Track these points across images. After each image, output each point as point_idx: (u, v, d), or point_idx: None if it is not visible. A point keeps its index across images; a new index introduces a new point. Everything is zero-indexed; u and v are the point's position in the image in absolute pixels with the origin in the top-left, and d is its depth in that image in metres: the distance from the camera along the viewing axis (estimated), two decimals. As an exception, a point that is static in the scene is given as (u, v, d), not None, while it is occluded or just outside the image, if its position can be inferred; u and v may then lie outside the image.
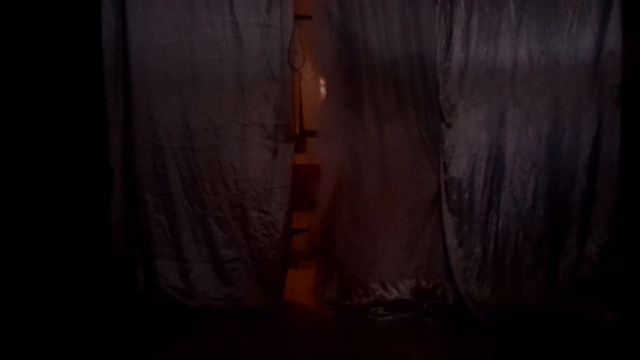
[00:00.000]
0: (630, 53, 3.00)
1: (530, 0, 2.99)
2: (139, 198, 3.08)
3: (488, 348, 2.69)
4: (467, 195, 3.01)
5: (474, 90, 3.02)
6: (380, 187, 3.12)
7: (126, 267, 3.08)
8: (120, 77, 3.05)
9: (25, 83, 2.75)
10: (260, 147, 3.11)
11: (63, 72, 2.91)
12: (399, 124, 3.07)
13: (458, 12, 3.00)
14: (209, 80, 3.07)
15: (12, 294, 2.63)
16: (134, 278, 3.07)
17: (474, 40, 3.01)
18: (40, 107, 2.83)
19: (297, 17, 6.04)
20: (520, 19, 3.00)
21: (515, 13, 3.00)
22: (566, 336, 2.75)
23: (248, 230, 3.14)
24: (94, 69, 2.99)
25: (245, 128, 3.11)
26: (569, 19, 2.99)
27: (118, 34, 3.02)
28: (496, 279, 3.00)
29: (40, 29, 2.80)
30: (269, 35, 3.05)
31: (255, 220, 3.13)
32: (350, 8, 3.02)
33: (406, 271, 3.13)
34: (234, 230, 3.14)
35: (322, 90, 6.55)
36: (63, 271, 2.84)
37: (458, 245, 3.01)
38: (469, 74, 3.02)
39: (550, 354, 2.60)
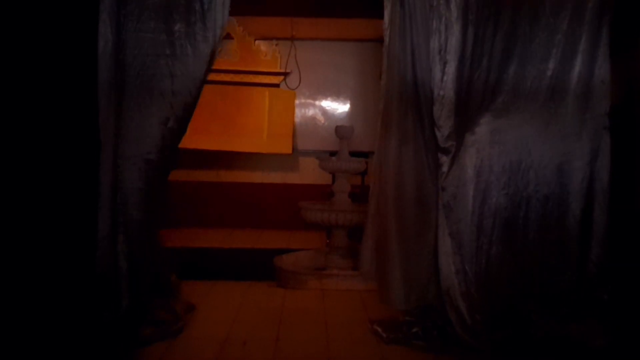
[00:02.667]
0: (617, 79, 3.07)
1: (523, 27, 3.06)
2: (129, 214, 3.04)
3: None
4: (462, 220, 3.02)
5: (466, 117, 3.06)
6: (394, 210, 3.14)
7: (113, 281, 3.02)
8: (113, 90, 3.04)
9: (17, 94, 2.73)
10: None
11: (57, 84, 2.89)
12: (410, 147, 3.11)
13: (452, 42, 3.05)
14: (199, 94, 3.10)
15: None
16: (120, 293, 3.02)
17: (466, 69, 3.04)
18: (30, 119, 2.80)
19: (295, 39, 6.21)
20: (513, 45, 3.06)
21: (509, 40, 3.06)
22: (558, 359, 2.74)
23: None
24: (88, 82, 2.98)
25: None
26: (561, 46, 3.05)
27: (114, 48, 3.03)
28: (488, 303, 2.99)
29: (36, 42, 2.80)
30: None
31: None
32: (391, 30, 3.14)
33: (415, 295, 3.13)
34: None
35: (316, 110, 6.66)
36: (46, 284, 2.78)
37: (453, 269, 3.01)
38: (461, 103, 3.06)
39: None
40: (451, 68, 3.03)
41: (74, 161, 2.89)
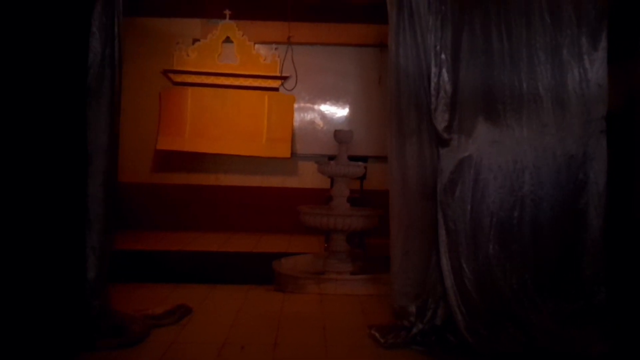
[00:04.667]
0: (617, 85, 3.08)
1: (519, 28, 3.08)
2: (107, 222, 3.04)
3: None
4: (459, 217, 3.02)
5: (462, 113, 3.08)
6: (399, 206, 3.15)
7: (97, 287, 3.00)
8: (104, 102, 3.04)
9: (7, 103, 2.71)
10: None
11: (47, 94, 2.86)
12: (414, 141, 3.13)
13: (448, 38, 3.08)
14: None
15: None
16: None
17: (462, 65, 3.08)
18: (18, 133, 2.77)
19: (293, 43, 6.22)
20: (508, 46, 3.08)
21: (504, 40, 3.08)
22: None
23: None
24: (77, 94, 2.97)
25: None
26: (559, 48, 3.07)
27: (104, 62, 3.04)
28: (487, 304, 2.99)
29: (27, 53, 2.77)
30: None
31: None
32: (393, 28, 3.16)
33: (415, 292, 3.13)
34: None
35: (315, 115, 6.67)
36: (32, 290, 2.74)
37: (451, 268, 3.02)
38: (457, 98, 3.08)
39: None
40: (447, 63, 3.07)
41: (62, 173, 2.88)
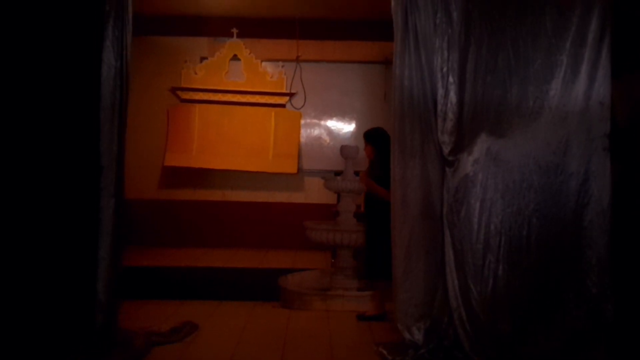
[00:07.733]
0: (623, 102, 3.07)
1: (525, 47, 3.10)
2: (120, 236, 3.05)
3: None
4: (466, 236, 3.01)
5: (468, 134, 3.08)
6: (401, 226, 3.14)
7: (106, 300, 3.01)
8: (116, 115, 3.08)
9: (24, 116, 2.75)
10: None
11: (60, 108, 2.91)
12: (417, 161, 3.12)
13: (455, 60, 3.10)
14: None
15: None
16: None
17: (468, 86, 3.08)
18: (35, 144, 2.80)
19: (300, 60, 6.29)
20: (516, 64, 3.10)
21: (511, 59, 3.10)
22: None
23: None
24: (91, 107, 3.01)
25: None
26: (563, 67, 3.08)
27: (117, 74, 3.08)
28: (494, 323, 2.96)
29: (41, 67, 2.82)
30: None
31: None
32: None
33: (419, 313, 3.09)
34: None
35: (321, 131, 6.71)
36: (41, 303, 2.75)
37: (458, 286, 3.00)
38: (463, 119, 3.08)
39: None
40: (453, 84, 3.07)
41: (75, 186, 2.91)
